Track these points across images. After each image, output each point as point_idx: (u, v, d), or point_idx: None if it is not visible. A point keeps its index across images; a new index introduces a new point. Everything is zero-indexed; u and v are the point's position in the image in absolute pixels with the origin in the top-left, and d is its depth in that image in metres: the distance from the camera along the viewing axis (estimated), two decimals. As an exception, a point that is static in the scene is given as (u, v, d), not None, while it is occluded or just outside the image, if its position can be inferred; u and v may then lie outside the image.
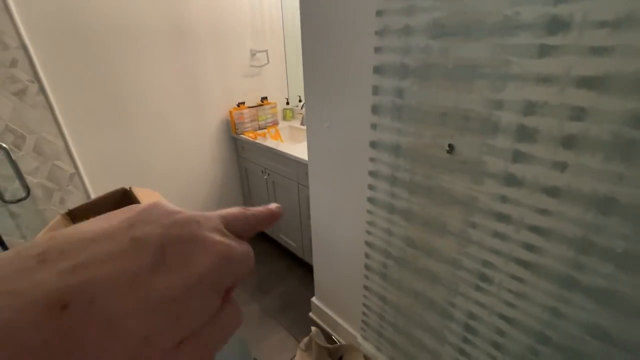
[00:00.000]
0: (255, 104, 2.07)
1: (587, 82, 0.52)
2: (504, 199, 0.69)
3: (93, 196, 1.57)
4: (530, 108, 0.59)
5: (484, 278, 0.79)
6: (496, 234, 0.73)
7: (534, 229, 0.66)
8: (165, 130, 1.76)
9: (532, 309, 0.72)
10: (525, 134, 0.61)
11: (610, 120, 0.51)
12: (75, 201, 1.50)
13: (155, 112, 1.69)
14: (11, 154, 1.01)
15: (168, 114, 1.74)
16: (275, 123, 2.16)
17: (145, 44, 1.56)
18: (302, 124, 2.17)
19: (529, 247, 0.68)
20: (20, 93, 1.27)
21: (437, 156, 0.78)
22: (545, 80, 0.56)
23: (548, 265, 0.66)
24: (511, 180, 0.66)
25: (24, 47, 1.24)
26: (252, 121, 2.02)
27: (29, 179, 1.36)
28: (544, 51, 0.55)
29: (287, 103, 2.32)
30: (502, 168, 0.67)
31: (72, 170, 1.48)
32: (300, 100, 2.29)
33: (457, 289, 0.87)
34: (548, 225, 0.64)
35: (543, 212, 0.64)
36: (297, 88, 2.27)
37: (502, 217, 0.70)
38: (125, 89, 1.56)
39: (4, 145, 0.90)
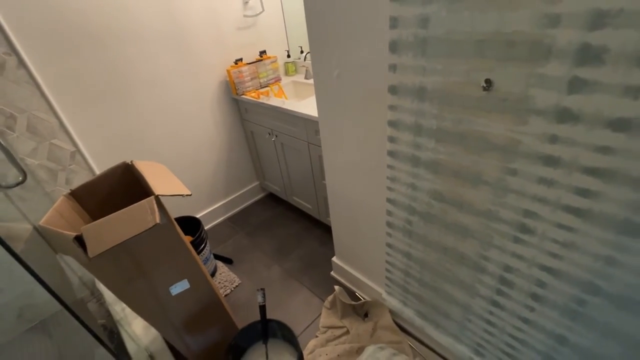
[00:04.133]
0: (254, 60, 1.91)
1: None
2: (553, 139, 0.59)
3: (98, 173, 1.52)
4: (599, 19, 0.47)
5: (524, 229, 0.72)
6: (542, 180, 0.64)
7: (591, 171, 0.57)
8: (162, 98, 1.65)
9: (582, 259, 0.65)
10: (588, 55, 0.49)
11: None
12: (80, 180, 1.46)
13: (148, 80, 1.57)
14: (4, 135, 0.94)
15: (162, 79, 1.62)
16: (278, 79, 2.01)
17: (132, 9, 1.40)
18: (306, 77, 2.01)
19: (583, 193, 0.59)
20: (-1, 68, 1.16)
21: (471, 95, 0.66)
22: (624, -23, 0.43)
23: (605, 212, 0.58)
24: (565, 115, 0.55)
25: (-8, 15, 1.11)
26: (252, 79, 1.88)
27: (29, 161, 1.31)
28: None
29: (288, 56, 2.14)
30: (554, 102, 0.56)
31: (72, 149, 1.41)
32: (302, 52, 2.10)
33: (492, 241, 0.80)
34: (610, 165, 0.54)
35: (605, 150, 0.54)
36: (298, 38, 2.07)
37: (550, 161, 0.61)
38: (113, 57, 1.43)
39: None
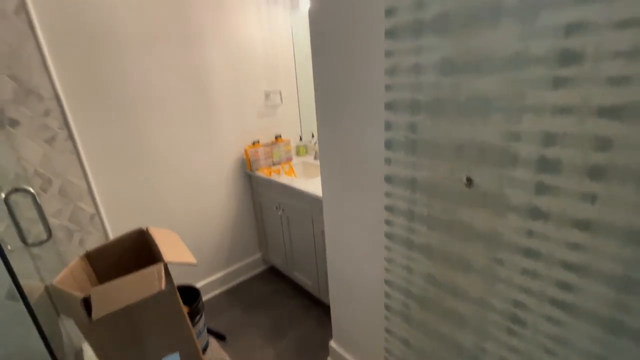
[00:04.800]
0: (270, 142, 2.13)
1: (607, 112, 0.51)
2: (530, 234, 0.65)
3: (111, 235, 1.59)
4: (550, 139, 0.58)
5: (516, 320, 0.73)
6: (525, 271, 0.68)
7: (567, 266, 0.61)
8: (182, 166, 1.81)
9: (574, 356, 0.65)
10: (547, 165, 0.59)
11: (638, 150, 0.49)
12: (93, 241, 1.52)
13: (174, 153, 1.76)
14: (37, 197, 1.05)
15: (185, 151, 1.80)
16: (289, 159, 2.20)
17: (166, 96, 1.66)
18: (315, 158, 2.20)
19: (564, 286, 0.63)
20: (51, 139, 1.35)
21: (456, 190, 0.75)
22: (562, 111, 0.55)
23: (587, 306, 0.61)
24: (536, 213, 0.63)
25: (57, 98, 1.33)
26: (266, 158, 2.07)
27: (52, 221, 1.40)
28: (559, 82, 0.54)
29: (301, 139, 2.37)
30: (526, 201, 0.64)
31: (93, 211, 1.51)
32: (313, 136, 2.34)
33: (488, 332, 0.80)
34: (582, 261, 0.59)
35: (575, 247, 0.59)
36: (310, 124, 2.33)
37: (530, 253, 0.66)
38: (146, 132, 1.63)
39: (31, 190, 0.94)
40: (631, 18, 0.46)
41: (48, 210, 1.38)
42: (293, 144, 2.32)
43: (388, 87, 0.82)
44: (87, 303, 0.78)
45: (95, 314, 0.74)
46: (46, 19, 1.27)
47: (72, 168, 1.42)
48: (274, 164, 2.11)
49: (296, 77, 2.23)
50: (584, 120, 0.53)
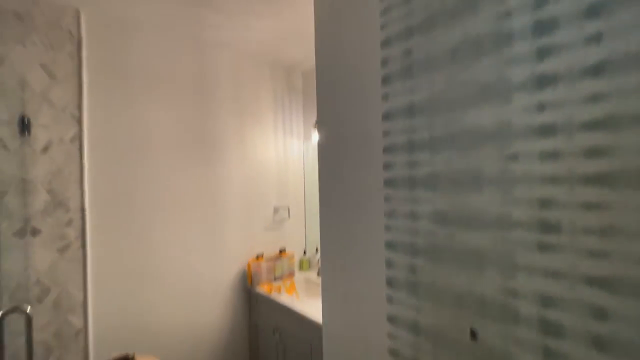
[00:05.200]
0: (274, 255, 2.14)
1: (597, 282, 0.53)
2: (548, 405, 0.59)
3: (91, 355, 1.46)
4: (547, 300, 0.59)
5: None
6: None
7: None
8: (183, 279, 1.79)
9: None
10: (549, 328, 0.59)
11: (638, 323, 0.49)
12: (71, 362, 1.39)
13: (177, 261, 1.76)
14: (34, 307, 1.03)
15: (189, 262, 1.81)
16: (292, 274, 2.16)
17: (181, 204, 1.79)
18: (318, 275, 2.16)
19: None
20: (64, 248, 1.40)
21: (461, 341, 0.72)
22: (554, 275, 0.58)
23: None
24: (550, 381, 0.59)
25: (82, 209, 1.44)
26: (268, 272, 2.04)
27: (36, 335, 1.32)
28: (544, 247, 0.59)
29: (305, 253, 2.38)
30: None
31: (80, 326, 1.44)
32: (317, 251, 2.35)
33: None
34: None
35: None
36: (315, 240, 2.37)
37: None
38: (154, 240, 1.68)
39: (28, 311, 0.93)
40: (595, 202, 0.54)
41: (37, 322, 1.32)
42: (297, 258, 2.32)
43: (387, 228, 0.88)
44: None
45: None
46: (94, 144, 1.49)
47: (74, 277, 1.42)
48: (275, 279, 2.06)
49: (304, 195, 2.40)
50: (574, 287, 0.55)
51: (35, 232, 1.32)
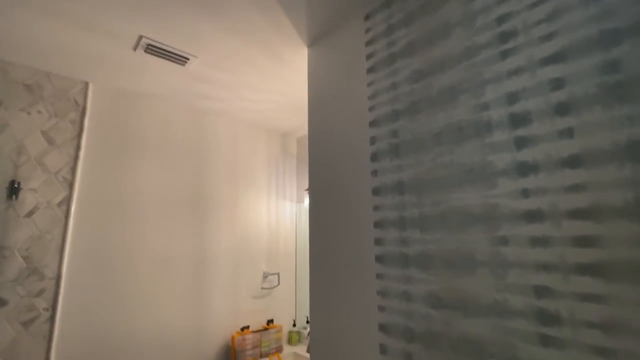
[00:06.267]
0: (260, 328, 1.98)
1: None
2: None
3: None
4: (556, 404, 0.53)
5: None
6: None
7: None
8: (159, 356, 1.61)
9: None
10: None
11: None
12: None
13: (157, 342, 1.61)
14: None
15: (167, 336, 1.65)
16: (279, 349, 1.98)
17: (166, 268, 1.70)
18: (307, 351, 1.97)
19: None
20: (29, 322, 1.27)
21: None
22: (559, 373, 0.54)
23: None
24: None
25: (58, 277, 1.35)
26: (254, 347, 1.86)
27: None
28: (547, 341, 0.55)
29: (294, 325, 2.21)
30: None
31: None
32: (307, 322, 2.19)
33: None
34: None
35: None
36: (307, 309, 2.22)
37: None
38: (131, 320, 1.55)
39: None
40: (593, 294, 0.52)
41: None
42: (285, 330, 2.15)
43: (381, 308, 0.84)
44: None
45: None
46: (82, 207, 1.46)
47: (36, 355, 1.27)
48: (261, 356, 1.88)
49: (296, 261, 2.32)
50: (585, 390, 0.51)
51: (1, 302, 1.21)
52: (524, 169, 0.62)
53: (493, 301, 0.63)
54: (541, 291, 0.57)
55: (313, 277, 1.12)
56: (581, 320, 0.52)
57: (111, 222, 1.56)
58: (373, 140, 0.94)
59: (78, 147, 1.49)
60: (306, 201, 2.35)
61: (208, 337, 1.81)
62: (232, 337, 1.84)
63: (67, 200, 1.42)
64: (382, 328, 0.83)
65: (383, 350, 0.82)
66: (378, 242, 0.87)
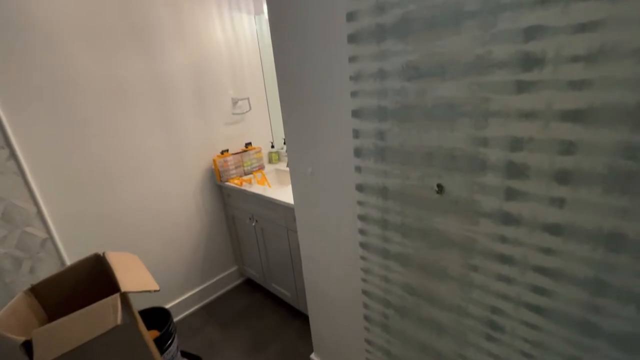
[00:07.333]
0: (240, 150, 2.05)
1: (570, 116, 0.50)
2: (503, 239, 0.64)
3: (68, 261, 1.46)
4: (516, 144, 0.57)
5: (494, 326, 0.72)
6: (500, 277, 0.67)
7: (541, 270, 0.61)
8: (145, 184, 1.70)
9: (552, 359, 0.64)
10: (515, 170, 0.58)
11: (603, 153, 0.49)
12: (46, 269, 1.39)
13: (133, 166, 1.64)
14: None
15: (147, 167, 1.70)
16: (262, 167, 2.14)
17: (122, 100, 1.55)
18: (288, 165, 2.15)
19: (538, 290, 0.62)
20: (-10, 160, 1.21)
21: (427, 197, 0.74)
22: (527, 115, 0.54)
23: (562, 310, 0.60)
24: (508, 218, 0.62)
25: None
26: (237, 167, 1.99)
27: (-5, 250, 1.26)
28: (522, 87, 0.53)
29: (272, 146, 2.31)
30: (497, 207, 0.63)
31: (45, 236, 1.38)
32: (285, 143, 2.29)
33: (467, 339, 0.79)
34: (555, 265, 0.59)
35: (547, 251, 0.59)
36: (282, 131, 2.27)
37: (504, 259, 0.65)
38: (102, 146, 1.52)
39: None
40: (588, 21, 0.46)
41: (-10, 239, 1.24)
42: (265, 152, 2.26)
43: (354, 94, 0.79)
44: (30, 347, 0.69)
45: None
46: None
47: (16, 190, 1.28)
48: (245, 174, 2.04)
49: (264, 82, 2.18)
50: (548, 125, 0.52)
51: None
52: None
53: (475, 57, 0.57)
54: (532, 33, 0.51)
55: (282, 92, 1.03)
56: (565, 55, 0.48)
57: (29, 48, 1.27)
58: None
59: None
60: (266, 11, 1.99)
61: (190, 162, 1.88)
62: (214, 160, 1.93)
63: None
64: (355, 114, 0.81)
65: (356, 134, 0.83)
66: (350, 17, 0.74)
